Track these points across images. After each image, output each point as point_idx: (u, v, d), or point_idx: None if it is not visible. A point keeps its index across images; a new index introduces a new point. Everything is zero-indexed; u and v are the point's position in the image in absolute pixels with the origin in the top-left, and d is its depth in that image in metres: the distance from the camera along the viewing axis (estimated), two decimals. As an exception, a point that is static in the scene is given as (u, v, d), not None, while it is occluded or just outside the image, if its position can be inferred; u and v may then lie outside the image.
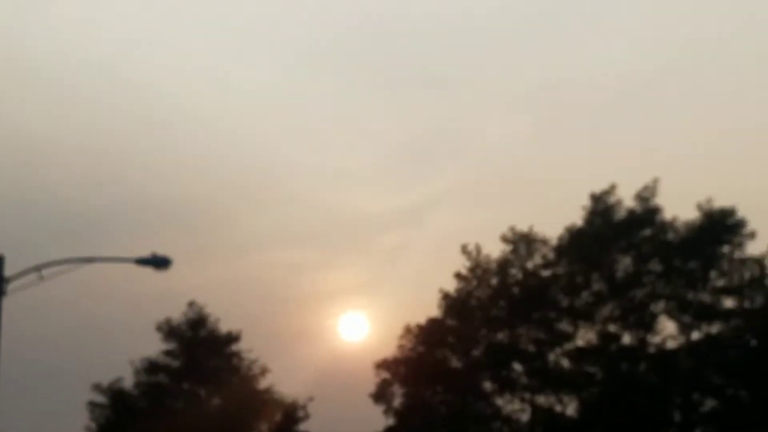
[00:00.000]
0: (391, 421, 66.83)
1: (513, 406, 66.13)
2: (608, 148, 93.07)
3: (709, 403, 63.52)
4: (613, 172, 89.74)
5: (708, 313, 63.78)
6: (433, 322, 67.17)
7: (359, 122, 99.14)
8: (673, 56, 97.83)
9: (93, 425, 64.85)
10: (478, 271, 67.55)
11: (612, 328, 65.11)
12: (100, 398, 65.22)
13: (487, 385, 66.46)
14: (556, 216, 68.92)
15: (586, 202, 65.98)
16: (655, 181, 64.87)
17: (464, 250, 67.71)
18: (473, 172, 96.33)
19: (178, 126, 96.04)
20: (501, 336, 66.67)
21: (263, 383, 66.56)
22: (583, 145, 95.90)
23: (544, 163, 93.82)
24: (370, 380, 66.98)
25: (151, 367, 65.96)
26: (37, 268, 33.07)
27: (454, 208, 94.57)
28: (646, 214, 65.03)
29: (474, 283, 67.67)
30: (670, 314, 64.52)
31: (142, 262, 34.67)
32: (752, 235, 63.96)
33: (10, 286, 32.75)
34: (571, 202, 67.30)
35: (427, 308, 67.89)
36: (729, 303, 64.34)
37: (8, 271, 32.84)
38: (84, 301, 70.78)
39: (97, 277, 41.28)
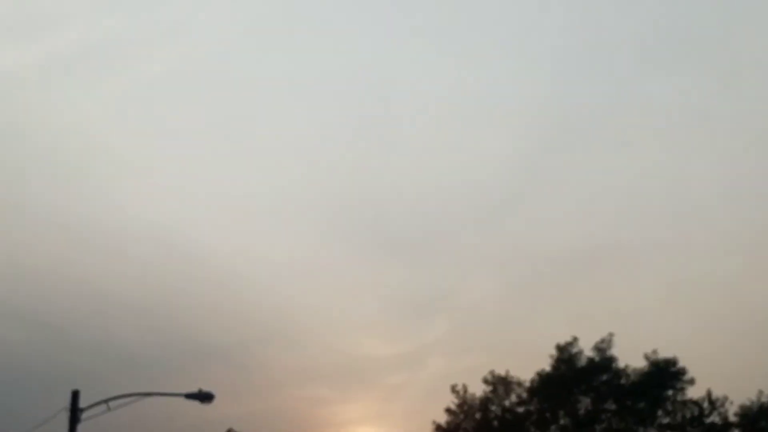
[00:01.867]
0: None
1: None
2: (570, 304, 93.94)
3: None
4: (574, 325, 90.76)
5: (656, 446, 64.20)
6: (428, 449, 67.41)
7: (366, 282, 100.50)
8: (624, 230, 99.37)
9: None
10: (464, 407, 67.65)
11: (576, 457, 65.41)
12: None
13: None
14: (528, 362, 69.58)
15: (553, 351, 66.80)
16: (611, 335, 65.80)
17: (453, 389, 68.09)
18: (460, 324, 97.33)
19: (222, 282, 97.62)
20: (485, 461, 66.74)
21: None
22: (549, 302, 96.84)
23: (518, 316, 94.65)
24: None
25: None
26: (106, 401, 34.44)
27: (445, 354, 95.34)
28: (603, 362, 65.55)
29: (461, 416, 67.61)
30: (624, 446, 64.91)
31: (191, 396, 35.71)
32: (692, 381, 64.78)
33: (84, 416, 34.08)
34: (540, 351, 68.15)
35: (424, 438, 68.36)
36: (673, 438, 64.66)
37: (82, 403, 34.23)
38: (144, 427, 71.47)
39: (154, 408, 42.16)
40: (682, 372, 64.82)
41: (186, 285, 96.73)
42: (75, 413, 33.70)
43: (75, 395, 34.15)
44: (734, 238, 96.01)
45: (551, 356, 66.91)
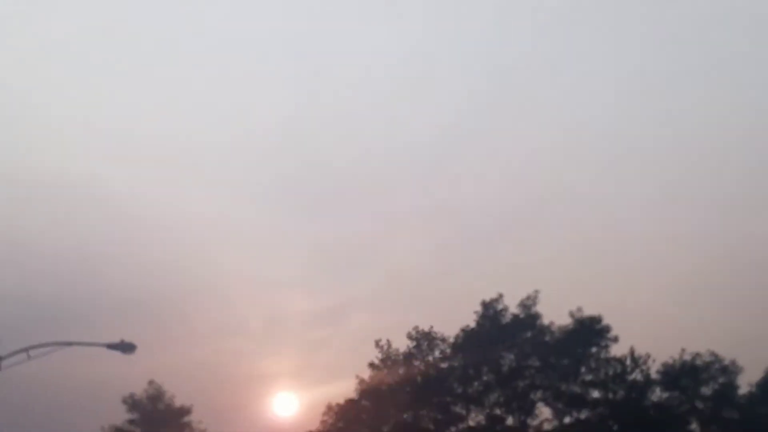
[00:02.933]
0: (313, 485, 67.10)
1: (415, 474, 66.45)
2: (496, 262, 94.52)
3: (580, 478, 64.40)
4: (500, 282, 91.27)
5: (578, 401, 65.06)
6: (350, 403, 67.38)
7: (291, 237, 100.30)
8: (549, 189, 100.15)
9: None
10: (388, 362, 67.99)
11: (498, 411, 65.91)
12: (76, 459, 65.01)
13: (394, 456, 66.68)
14: (452, 318, 69.94)
15: (478, 308, 67.33)
16: (536, 292, 66.42)
17: (377, 344, 68.37)
18: (385, 280, 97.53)
19: (142, 236, 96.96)
20: (406, 416, 66.90)
21: (210, 450, 66.60)
22: (476, 259, 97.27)
23: (444, 273, 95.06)
24: (299, 450, 67.42)
25: (118, 433, 65.97)
26: (26, 349, 34.09)
27: (368, 309, 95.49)
28: (528, 319, 66.20)
29: (384, 371, 67.94)
30: (547, 402, 65.58)
31: (112, 347, 35.47)
32: (615, 339, 65.68)
33: (3, 364, 33.68)
34: (465, 308, 68.53)
35: (346, 391, 68.53)
36: (596, 394, 65.51)
37: (1, 352, 33.81)
38: (64, 378, 70.85)
39: (74, 358, 41.78)
40: (606, 330, 65.67)
41: (107, 238, 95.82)
42: (-6, 362, 33.32)
43: (-6, 343, 33.75)
44: (657, 197, 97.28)
45: (476, 312, 67.44)
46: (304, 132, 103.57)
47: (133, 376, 66.91)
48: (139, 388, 66.91)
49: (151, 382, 67.00)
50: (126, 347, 35.55)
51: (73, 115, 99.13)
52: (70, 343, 35.27)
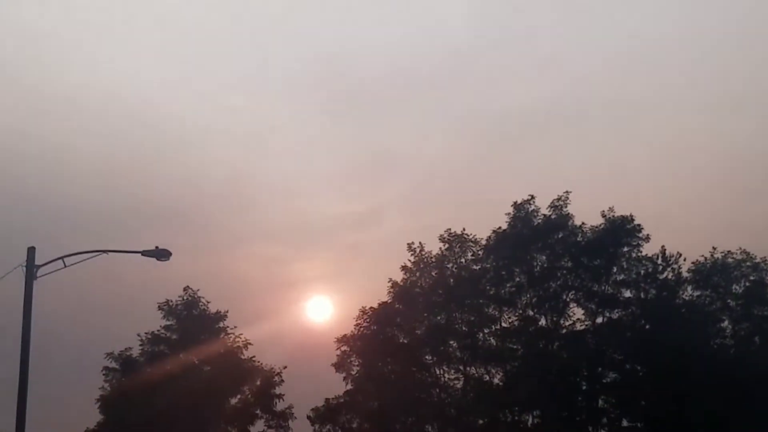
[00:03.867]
0: (350, 386, 67.73)
1: (449, 375, 67.17)
2: (527, 164, 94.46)
3: (611, 375, 65.04)
4: (531, 184, 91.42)
5: (610, 301, 65.47)
6: (384, 306, 68.08)
7: (321, 140, 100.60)
8: (575, 88, 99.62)
9: (107, 386, 65.32)
10: (420, 264, 68.67)
11: (530, 312, 66.49)
12: (113, 364, 65.73)
13: (428, 358, 67.31)
14: (484, 220, 70.16)
15: (509, 209, 67.66)
16: (567, 193, 66.70)
17: (409, 247, 68.93)
18: (416, 184, 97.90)
19: (178, 145, 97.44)
20: (439, 318, 67.64)
21: (246, 354, 67.02)
22: (507, 160, 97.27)
23: (474, 177, 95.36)
24: (333, 353, 68.12)
25: (154, 339, 66.36)
26: (62, 258, 34.60)
27: (401, 213, 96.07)
28: (559, 220, 66.44)
29: (417, 274, 68.77)
30: (579, 302, 66.01)
31: (147, 253, 35.91)
32: (647, 239, 65.87)
33: (40, 272, 34.24)
34: (497, 210, 68.73)
35: (380, 294, 69.11)
36: (627, 294, 65.84)
37: (38, 260, 34.36)
38: (100, 286, 71.76)
39: (111, 266, 42.34)
40: (637, 229, 65.75)
41: (141, 147, 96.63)
42: (31, 270, 33.84)
43: (31, 251, 34.24)
44: (688, 96, 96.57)
45: (507, 214, 67.80)
46: (335, 42, 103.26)
47: (168, 283, 67.72)
48: (174, 294, 67.54)
49: (186, 289, 67.50)
50: (161, 254, 35.95)
51: (118, 29, 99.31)
52: (105, 251, 35.76)
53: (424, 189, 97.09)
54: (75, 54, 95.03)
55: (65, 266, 34.49)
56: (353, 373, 68.12)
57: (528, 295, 66.65)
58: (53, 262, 34.32)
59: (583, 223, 66.67)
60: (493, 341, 67.35)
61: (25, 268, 33.92)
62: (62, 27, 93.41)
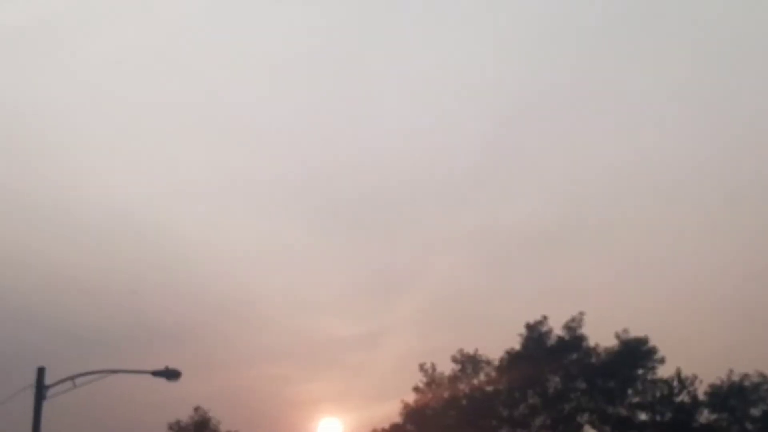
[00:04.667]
0: None
1: (463, 499, 66.19)
2: (540, 282, 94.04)
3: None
4: (545, 303, 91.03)
5: (625, 424, 64.33)
6: (395, 427, 67.30)
7: (329, 260, 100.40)
8: (588, 205, 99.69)
9: None
10: (432, 385, 67.72)
11: (545, 434, 65.65)
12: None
13: (442, 481, 66.40)
14: (497, 341, 69.62)
15: (522, 330, 66.94)
16: (581, 314, 66.05)
17: (421, 367, 68.09)
18: (426, 302, 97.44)
19: (184, 264, 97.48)
20: (452, 440, 66.84)
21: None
22: (518, 279, 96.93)
23: (485, 294, 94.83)
24: (344, 477, 67.15)
25: (164, 460, 66.10)
26: (72, 378, 34.12)
27: (409, 332, 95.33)
28: (573, 341, 65.75)
29: (429, 395, 67.76)
30: (593, 425, 64.96)
31: (157, 374, 35.52)
32: (662, 360, 65.03)
33: (49, 393, 33.73)
34: (509, 330, 68.22)
35: (391, 415, 68.32)
36: (643, 416, 64.81)
37: (47, 380, 33.87)
38: (109, 405, 71.13)
39: (120, 386, 41.83)
40: (652, 351, 65.12)
41: (148, 265, 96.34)
42: (40, 390, 33.39)
43: (41, 372, 33.83)
44: (704, 217, 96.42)
45: (520, 335, 67.14)
46: (344, 159, 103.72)
47: (178, 402, 67.08)
48: (184, 414, 67.07)
49: (197, 409, 67.22)
50: (171, 374, 35.56)
51: (119, 145, 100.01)
52: (116, 371, 35.38)
53: (432, 307, 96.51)
54: (77, 169, 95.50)
55: (75, 386, 34.01)
56: (369, 495, 66.98)
57: (542, 417, 65.73)
58: (63, 382, 33.84)
59: (597, 344, 66.01)
60: (507, 464, 65.93)
61: (35, 389, 33.49)
62: (61, 139, 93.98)
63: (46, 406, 33.48)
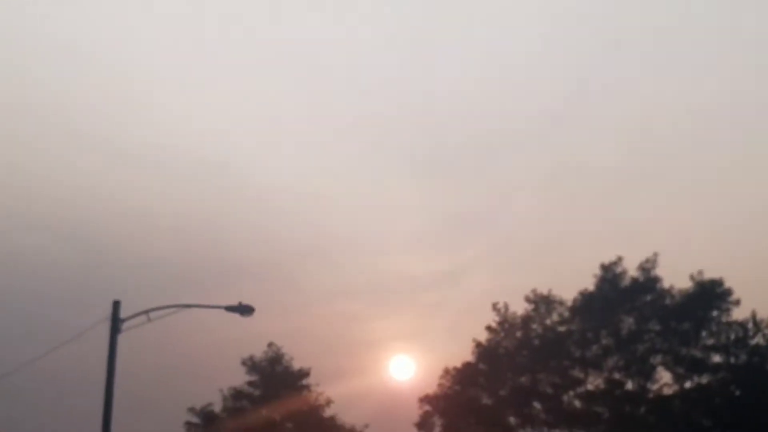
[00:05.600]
0: (432, 446, 67.42)
1: (533, 438, 66.38)
2: (615, 224, 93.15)
3: (699, 442, 63.52)
4: (619, 244, 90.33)
5: (699, 366, 63.86)
6: (467, 366, 67.46)
7: (404, 198, 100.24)
8: (667, 143, 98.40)
9: (189, 441, 65.66)
10: (505, 325, 67.78)
11: (617, 375, 65.14)
12: (195, 419, 66.05)
13: (512, 420, 66.39)
14: (571, 281, 69.25)
15: (596, 270, 66.54)
16: (655, 255, 65.52)
17: (494, 307, 68.14)
18: (500, 242, 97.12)
19: (260, 203, 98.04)
20: (524, 379, 66.71)
21: (328, 412, 67.00)
22: (594, 220, 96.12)
23: (560, 235, 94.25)
24: (415, 412, 67.57)
25: (237, 394, 66.73)
26: (146, 312, 34.65)
27: (484, 272, 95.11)
28: (648, 283, 65.24)
29: (502, 335, 67.85)
30: (667, 366, 64.53)
31: (231, 309, 35.92)
32: (737, 302, 64.21)
33: (124, 326, 34.32)
34: (583, 270, 67.83)
35: (463, 354, 68.49)
36: (717, 359, 64.19)
37: (123, 314, 34.45)
38: (184, 340, 72.04)
39: (194, 320, 42.38)
40: (727, 293, 64.31)
41: (223, 202, 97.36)
42: (116, 323, 34.03)
43: (116, 305, 34.46)
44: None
45: (594, 276, 66.66)
46: (422, 101, 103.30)
47: (251, 339, 67.79)
48: (256, 350, 67.76)
49: (270, 344, 67.83)
50: (244, 309, 35.99)
51: (197, 82, 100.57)
52: (190, 306, 35.88)
53: (508, 248, 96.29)
54: (154, 109, 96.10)
55: (149, 320, 34.55)
56: (435, 432, 67.19)
57: (614, 358, 65.34)
58: (137, 316, 34.40)
59: (671, 286, 65.29)
60: (578, 404, 66.19)
61: (110, 322, 34.05)
62: (140, 82, 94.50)
63: (121, 339, 34.11)
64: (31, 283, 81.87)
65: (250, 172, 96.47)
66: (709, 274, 64.79)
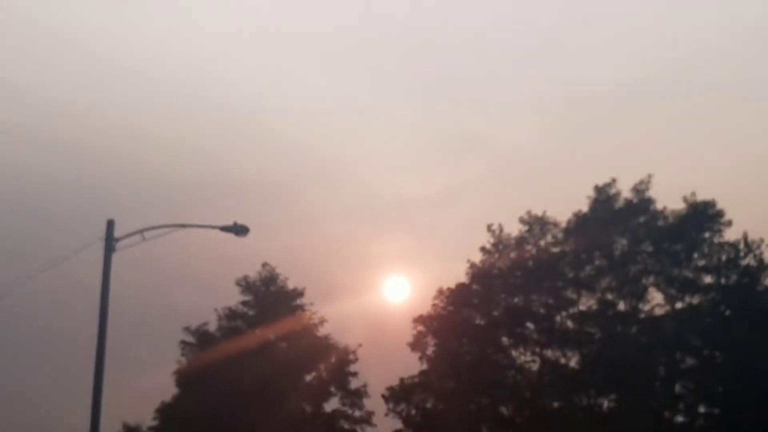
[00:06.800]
0: (425, 366, 67.52)
1: (525, 357, 66.44)
2: (610, 146, 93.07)
3: (689, 361, 63.65)
4: (614, 166, 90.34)
5: (690, 287, 64.06)
6: (461, 287, 67.47)
7: (401, 120, 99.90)
8: (661, 65, 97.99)
9: (183, 360, 65.91)
10: (499, 246, 67.66)
11: (609, 296, 65.28)
12: (190, 338, 66.30)
13: (505, 340, 66.59)
14: (565, 203, 69.17)
15: (590, 192, 66.42)
16: (649, 176, 65.48)
17: (489, 228, 67.97)
18: (496, 164, 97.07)
19: (256, 119, 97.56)
20: (517, 300, 66.90)
21: (321, 331, 67.22)
22: (588, 143, 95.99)
23: (555, 157, 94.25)
24: (409, 332, 67.71)
25: (231, 314, 66.92)
26: (141, 231, 34.51)
27: (480, 194, 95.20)
28: (641, 204, 65.21)
29: (496, 256, 67.77)
30: (659, 287, 64.71)
31: (226, 229, 35.92)
32: (729, 224, 64.33)
33: (118, 245, 34.17)
34: (578, 192, 67.71)
35: (457, 275, 68.47)
36: (708, 279, 64.39)
37: (117, 233, 34.28)
38: (179, 260, 72.00)
39: (189, 241, 42.25)
40: (719, 214, 64.40)
41: (219, 121, 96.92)
42: (110, 242, 33.89)
43: (110, 224, 34.34)
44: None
45: (588, 197, 66.64)
46: (421, 25, 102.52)
47: (246, 259, 67.77)
48: (252, 270, 67.78)
49: (264, 265, 67.92)
50: (239, 229, 35.98)
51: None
52: (184, 225, 35.86)
53: (504, 170, 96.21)
54: (150, 25, 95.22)
55: (144, 240, 34.46)
56: (429, 353, 67.77)
57: (607, 279, 65.51)
58: (132, 235, 34.29)
59: (665, 208, 65.28)
60: (570, 324, 66.32)
61: (104, 241, 33.90)
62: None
63: (116, 258, 33.98)
64: (24, 202, 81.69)
65: (246, 91, 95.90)
66: (702, 196, 64.95)
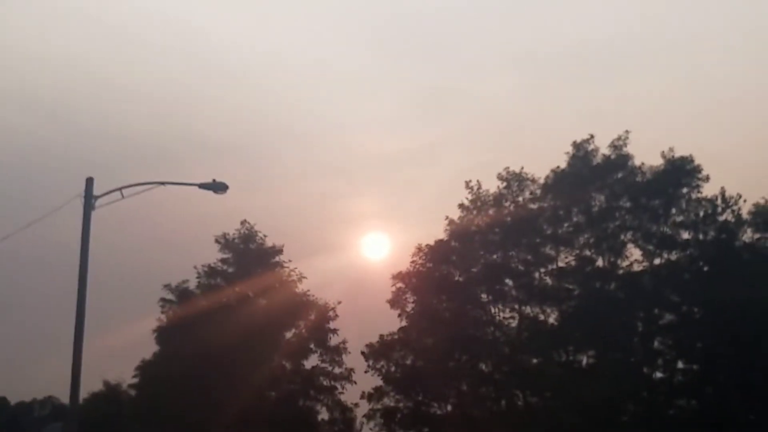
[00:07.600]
0: (404, 322, 67.83)
1: (504, 314, 66.78)
2: (588, 103, 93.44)
3: (668, 317, 63.96)
4: (592, 123, 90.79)
5: (668, 242, 64.41)
6: (440, 244, 67.62)
7: (378, 77, 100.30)
8: (640, 22, 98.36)
9: (163, 317, 65.94)
10: (477, 203, 67.73)
11: (588, 252, 65.66)
12: (170, 296, 66.32)
13: (483, 297, 66.91)
14: (543, 159, 69.38)
15: (568, 148, 66.56)
16: (627, 132, 65.60)
17: (467, 185, 68.10)
18: (473, 121, 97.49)
19: (235, 79, 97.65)
20: (495, 257, 67.21)
21: (301, 288, 67.30)
22: (566, 100, 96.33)
23: (533, 114, 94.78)
24: (388, 290, 67.90)
25: (211, 272, 66.90)
26: (120, 189, 34.37)
27: (458, 151, 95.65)
28: (619, 160, 65.33)
29: (474, 212, 67.91)
30: (637, 243, 65.06)
31: (205, 186, 35.81)
32: (706, 179, 64.52)
33: (98, 203, 34.03)
34: (555, 148, 67.90)
35: (436, 232, 68.66)
36: (686, 235, 64.71)
37: (96, 191, 34.12)
38: (157, 218, 72.10)
39: (168, 198, 42.29)
40: (697, 170, 64.57)
41: (198, 80, 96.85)
42: (89, 200, 33.75)
43: (89, 182, 34.18)
44: (760, 40, 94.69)
45: (567, 153, 66.80)
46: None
47: (225, 217, 67.76)
48: (230, 228, 67.78)
49: (243, 222, 67.90)
50: (218, 187, 35.88)
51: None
52: (163, 183, 35.72)
53: (482, 126, 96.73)
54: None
55: (123, 197, 34.37)
56: (408, 309, 68.15)
57: (585, 235, 65.94)
58: (111, 193, 34.17)
59: (642, 164, 65.52)
60: (549, 281, 66.77)
61: (83, 199, 33.76)
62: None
63: (95, 216, 33.87)
64: (2, 160, 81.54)
65: (224, 49, 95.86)
66: (680, 152, 65.14)
